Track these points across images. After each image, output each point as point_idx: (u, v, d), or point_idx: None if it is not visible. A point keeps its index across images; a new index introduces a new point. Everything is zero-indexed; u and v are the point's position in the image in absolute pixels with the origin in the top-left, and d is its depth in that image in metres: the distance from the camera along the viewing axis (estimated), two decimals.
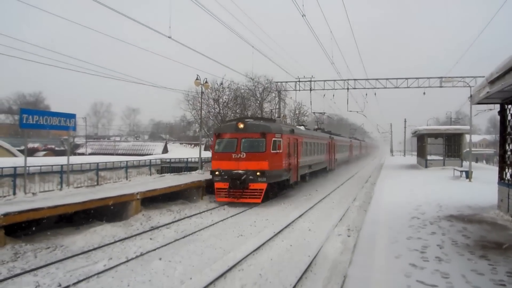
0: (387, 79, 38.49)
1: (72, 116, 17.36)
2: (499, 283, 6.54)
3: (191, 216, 16.18)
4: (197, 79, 26.75)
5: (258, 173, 18.20)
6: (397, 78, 38.36)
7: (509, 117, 12.88)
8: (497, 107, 14.17)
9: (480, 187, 20.31)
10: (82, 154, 60.32)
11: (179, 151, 55.94)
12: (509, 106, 12.86)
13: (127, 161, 25.39)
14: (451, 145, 40.00)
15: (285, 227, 13.67)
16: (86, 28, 20.07)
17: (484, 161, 61.41)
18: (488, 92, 11.64)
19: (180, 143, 69.03)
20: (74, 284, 8.24)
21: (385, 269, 7.36)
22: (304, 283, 8.26)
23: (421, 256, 8.15)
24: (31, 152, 54.82)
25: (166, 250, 10.86)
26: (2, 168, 16.87)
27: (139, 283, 8.32)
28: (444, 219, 12.20)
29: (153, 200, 17.90)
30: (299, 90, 40.36)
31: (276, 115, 41.17)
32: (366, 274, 7.06)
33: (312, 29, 21.72)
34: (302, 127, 29.54)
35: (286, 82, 41.18)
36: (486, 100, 14.00)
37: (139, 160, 28.66)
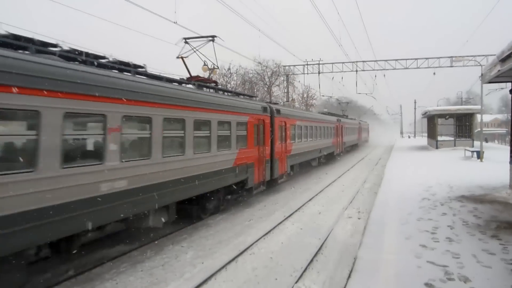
0: (396, 60, 38.02)
1: None
2: (511, 262, 6.54)
3: None
4: (204, 64, 26.63)
5: None
6: (406, 59, 37.85)
7: None
8: (509, 85, 13.94)
9: (492, 167, 20.12)
10: None
11: None
12: None
13: None
14: (462, 126, 39.57)
15: (296, 210, 13.71)
16: (87, 15, 19.97)
17: (495, 141, 60.55)
18: (499, 70, 11.44)
19: None
20: None
21: (395, 250, 7.41)
22: (315, 265, 8.34)
23: (432, 237, 8.17)
24: None
25: None
26: None
27: None
28: (455, 200, 12.16)
29: None
30: (307, 73, 40.09)
31: (285, 99, 41.02)
32: (376, 256, 7.11)
33: (318, 10, 21.43)
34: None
35: (294, 65, 40.88)
36: (498, 79, 13.76)
37: None
